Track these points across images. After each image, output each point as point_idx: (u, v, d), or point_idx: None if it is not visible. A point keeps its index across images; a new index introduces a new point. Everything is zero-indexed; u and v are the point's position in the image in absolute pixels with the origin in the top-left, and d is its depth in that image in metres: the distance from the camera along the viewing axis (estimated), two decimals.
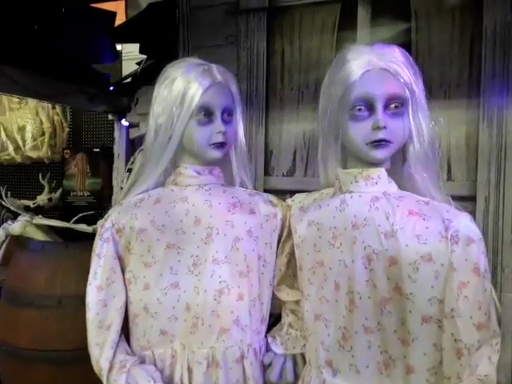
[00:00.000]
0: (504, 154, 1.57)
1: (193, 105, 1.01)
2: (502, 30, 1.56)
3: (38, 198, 3.30)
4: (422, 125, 0.92)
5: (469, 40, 1.69)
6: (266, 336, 1.12)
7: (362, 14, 1.77)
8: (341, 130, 0.93)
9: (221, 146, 1.05)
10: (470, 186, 1.64)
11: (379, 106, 0.88)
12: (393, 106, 0.89)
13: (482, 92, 1.59)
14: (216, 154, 1.05)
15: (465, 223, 0.87)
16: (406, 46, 1.70)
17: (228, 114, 1.06)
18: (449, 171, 1.68)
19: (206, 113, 1.02)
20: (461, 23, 1.70)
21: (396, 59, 0.89)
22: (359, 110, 0.89)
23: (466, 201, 0.95)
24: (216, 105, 1.03)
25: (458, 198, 0.97)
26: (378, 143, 0.89)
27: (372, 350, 0.91)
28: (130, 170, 2.25)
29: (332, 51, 1.84)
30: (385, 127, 0.88)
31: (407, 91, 0.89)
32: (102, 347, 1.03)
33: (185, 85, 1.02)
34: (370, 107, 0.89)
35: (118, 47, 2.96)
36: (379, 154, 0.90)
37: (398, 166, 0.97)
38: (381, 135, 0.88)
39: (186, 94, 1.01)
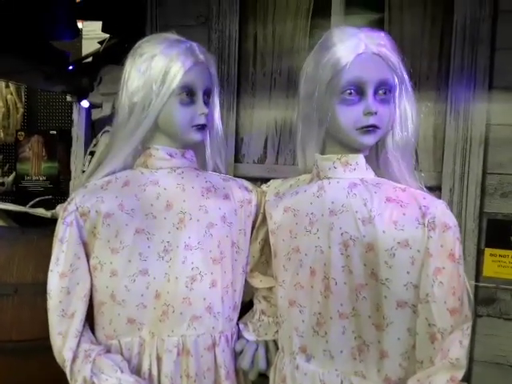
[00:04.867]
0: (469, 147, 1.63)
1: (174, 84, 0.97)
2: (471, 25, 1.61)
3: None
4: (406, 112, 0.92)
5: (439, 33, 1.72)
6: (237, 323, 1.11)
7: (336, 1, 1.76)
8: (328, 114, 0.91)
9: (202, 128, 1.02)
10: (435, 176, 1.69)
11: (370, 91, 0.88)
12: (381, 91, 0.88)
13: (451, 85, 1.63)
14: (196, 136, 1.02)
15: (441, 210, 0.88)
16: None
17: (207, 96, 1.03)
18: (416, 161, 1.72)
19: (188, 93, 0.99)
20: (432, 16, 1.73)
21: (386, 44, 0.89)
22: (349, 94, 0.88)
23: (432, 191, 0.97)
24: (198, 85, 1.00)
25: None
26: (368, 129, 0.88)
27: (346, 336, 0.91)
28: (92, 153, 2.14)
29: (306, 37, 1.82)
30: (376, 113, 0.87)
31: (396, 78, 0.89)
32: (64, 337, 0.98)
33: (167, 63, 0.97)
34: (361, 92, 0.88)
35: (79, 25, 2.82)
36: (368, 139, 0.90)
37: (373, 152, 0.98)
38: (372, 121, 0.88)
39: (167, 72, 0.97)
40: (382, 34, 0.91)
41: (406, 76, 0.92)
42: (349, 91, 0.88)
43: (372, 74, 0.87)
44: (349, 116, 0.89)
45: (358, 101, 0.88)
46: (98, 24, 2.44)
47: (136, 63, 1.00)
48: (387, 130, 0.92)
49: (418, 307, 0.87)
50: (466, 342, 0.85)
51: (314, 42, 0.96)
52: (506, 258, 1.65)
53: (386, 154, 0.95)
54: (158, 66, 0.97)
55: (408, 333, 0.89)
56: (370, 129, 0.88)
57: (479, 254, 1.67)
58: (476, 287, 1.66)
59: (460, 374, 0.84)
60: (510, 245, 1.65)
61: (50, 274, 1.00)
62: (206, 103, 1.02)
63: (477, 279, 1.66)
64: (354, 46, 0.87)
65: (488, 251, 1.67)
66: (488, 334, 1.66)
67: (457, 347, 0.84)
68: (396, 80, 0.90)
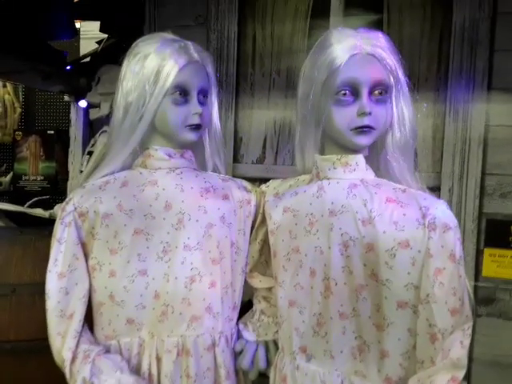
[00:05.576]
0: (468, 148, 1.63)
1: (167, 83, 0.96)
2: (470, 26, 1.61)
3: None
4: (404, 112, 0.92)
5: (438, 35, 1.73)
6: (237, 323, 1.10)
7: (335, 2, 1.76)
8: (324, 114, 0.91)
9: (196, 128, 1.01)
10: (434, 177, 1.69)
11: (364, 92, 0.87)
12: (377, 92, 0.88)
13: (450, 86, 1.63)
14: (191, 136, 1.01)
15: (442, 210, 0.88)
16: None
17: (203, 95, 1.02)
18: (415, 162, 1.72)
19: (181, 92, 0.98)
20: (431, 18, 1.73)
21: (382, 45, 0.89)
22: (344, 94, 0.88)
23: (431, 191, 0.97)
24: (192, 85, 0.98)
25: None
26: (362, 129, 0.88)
27: (347, 336, 0.91)
28: (90, 153, 2.14)
29: (304, 38, 1.82)
30: (370, 113, 0.87)
31: (392, 78, 0.89)
32: (63, 337, 0.97)
33: (159, 62, 0.96)
34: (355, 92, 0.88)
35: (77, 25, 2.81)
36: (363, 140, 0.89)
37: (374, 153, 0.98)
38: (366, 121, 0.87)
39: (160, 71, 0.96)
40: (380, 35, 0.91)
41: (402, 76, 0.91)
42: (343, 92, 0.88)
43: (366, 75, 0.87)
44: (343, 117, 0.88)
45: (353, 101, 0.88)
46: (96, 24, 2.43)
47: (130, 63, 1.00)
48: (385, 130, 0.92)
49: (419, 308, 0.87)
50: (467, 342, 0.85)
51: (313, 43, 0.96)
52: (505, 258, 1.65)
53: (385, 155, 0.95)
54: (151, 66, 0.97)
55: (408, 333, 0.88)
56: (365, 129, 0.88)
57: (478, 254, 1.67)
58: (475, 287, 1.66)
59: (461, 374, 0.84)
60: (509, 245, 1.65)
61: (48, 275, 1.00)
62: (202, 103, 1.01)
63: (476, 279, 1.67)
64: (349, 47, 0.87)
65: (487, 251, 1.67)
66: (487, 333, 1.66)
67: (458, 347, 0.84)
68: (392, 80, 0.89)
